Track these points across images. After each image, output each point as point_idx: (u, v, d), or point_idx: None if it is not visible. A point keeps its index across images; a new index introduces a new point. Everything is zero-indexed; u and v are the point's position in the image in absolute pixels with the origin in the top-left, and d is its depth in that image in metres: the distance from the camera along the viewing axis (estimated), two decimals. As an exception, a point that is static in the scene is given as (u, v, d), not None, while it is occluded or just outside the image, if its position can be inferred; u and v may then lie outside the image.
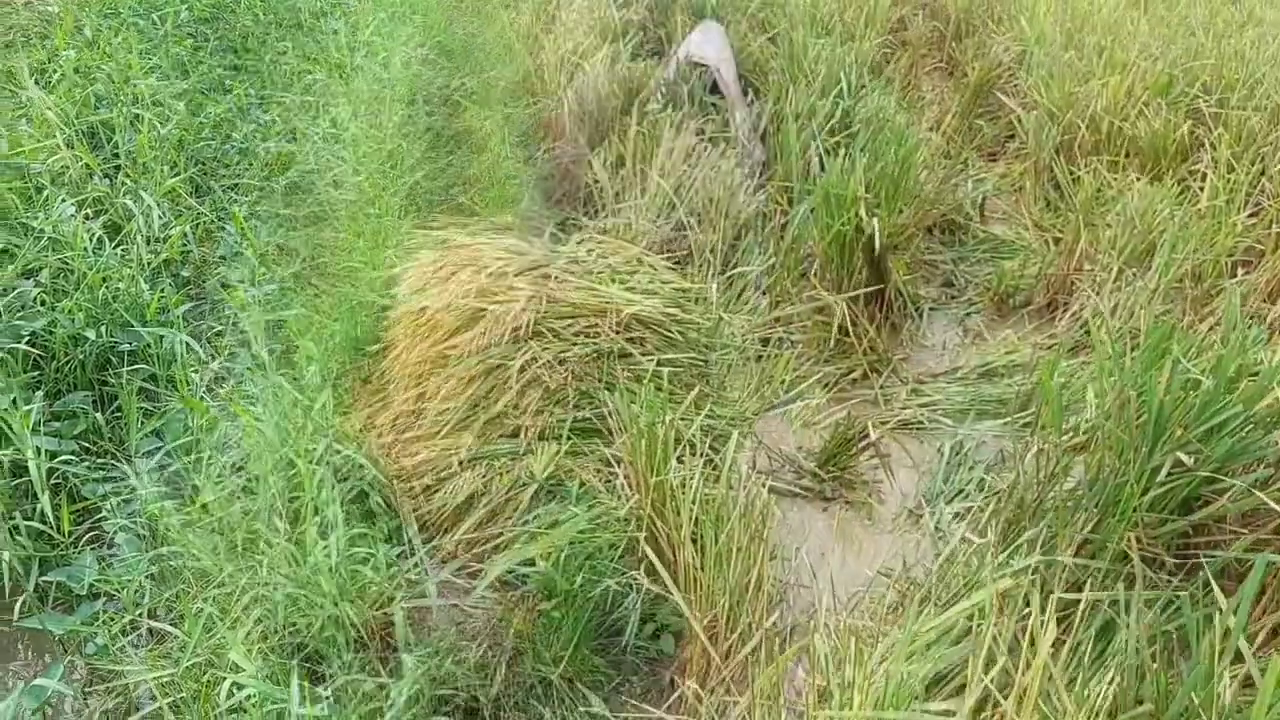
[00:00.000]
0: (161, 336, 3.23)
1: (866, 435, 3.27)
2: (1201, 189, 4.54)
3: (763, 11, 6.95)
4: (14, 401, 2.82)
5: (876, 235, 3.81)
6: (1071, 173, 5.05)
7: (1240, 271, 4.20)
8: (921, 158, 4.88)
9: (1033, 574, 2.31)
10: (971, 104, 6.16)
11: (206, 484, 2.57)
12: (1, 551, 2.59)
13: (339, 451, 2.65)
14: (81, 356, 3.21)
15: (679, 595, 2.31)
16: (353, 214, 4.14)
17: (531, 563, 2.46)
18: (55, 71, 4.76)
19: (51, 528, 2.69)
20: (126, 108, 4.46)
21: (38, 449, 2.74)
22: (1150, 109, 5.29)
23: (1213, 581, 1.98)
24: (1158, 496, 2.36)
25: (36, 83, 4.40)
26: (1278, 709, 1.57)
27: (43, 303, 3.32)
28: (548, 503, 2.63)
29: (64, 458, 2.85)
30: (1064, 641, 2.04)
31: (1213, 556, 2.20)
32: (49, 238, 3.53)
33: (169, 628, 2.30)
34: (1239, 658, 1.86)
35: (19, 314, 3.21)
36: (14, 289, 3.29)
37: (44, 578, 2.64)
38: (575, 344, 2.87)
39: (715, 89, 5.29)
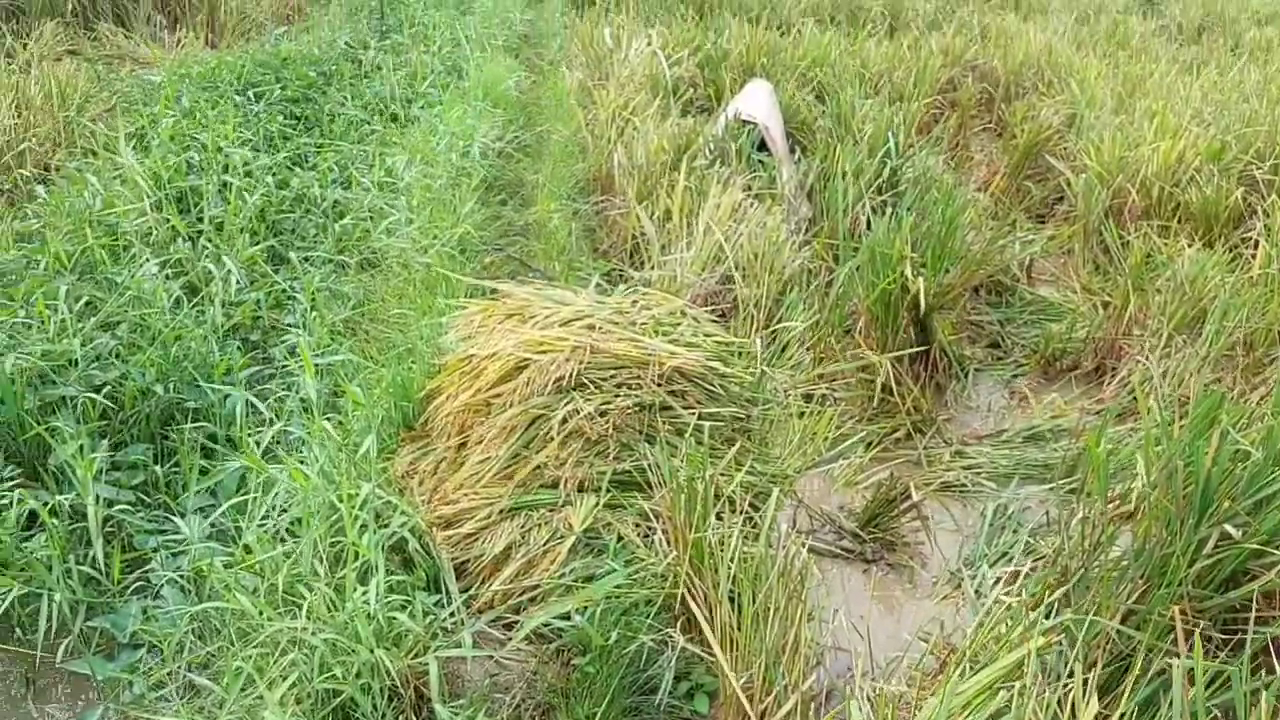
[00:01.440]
0: (226, 396, 3.31)
1: (909, 496, 3.24)
2: (1254, 256, 4.49)
3: (811, 71, 7.04)
4: (81, 448, 2.90)
5: (922, 294, 3.81)
6: (1121, 237, 5.02)
7: (1294, 341, 4.14)
8: (969, 218, 4.89)
9: (1074, 645, 2.28)
10: (1020, 166, 6.16)
11: (250, 525, 2.61)
12: (54, 593, 2.64)
13: (381, 497, 2.67)
14: (148, 410, 3.29)
15: (718, 653, 2.29)
16: (405, 262, 4.22)
17: (567, 616, 2.46)
18: (153, 137, 4.95)
19: (102, 574, 2.74)
20: (216, 176, 4.62)
21: (97, 496, 2.80)
22: (1202, 175, 5.26)
23: (1275, 655, 1.94)
24: (1205, 569, 2.31)
25: (134, 148, 4.57)
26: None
27: (118, 355, 3.43)
28: (585, 556, 2.64)
29: (121, 506, 2.91)
30: (1107, 717, 2.00)
31: (1261, 632, 2.15)
32: (131, 294, 3.65)
33: (207, 682, 2.32)
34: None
35: (95, 364, 3.31)
36: (93, 340, 3.40)
37: (89, 623, 2.68)
38: (617, 395, 2.89)
39: (763, 146, 5.34)
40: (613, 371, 2.96)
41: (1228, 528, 2.28)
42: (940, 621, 2.76)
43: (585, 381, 2.87)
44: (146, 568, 2.80)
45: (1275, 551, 2.35)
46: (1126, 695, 1.99)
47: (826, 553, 3.14)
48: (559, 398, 2.84)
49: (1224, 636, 2.35)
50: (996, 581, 2.62)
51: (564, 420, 2.84)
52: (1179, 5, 12.48)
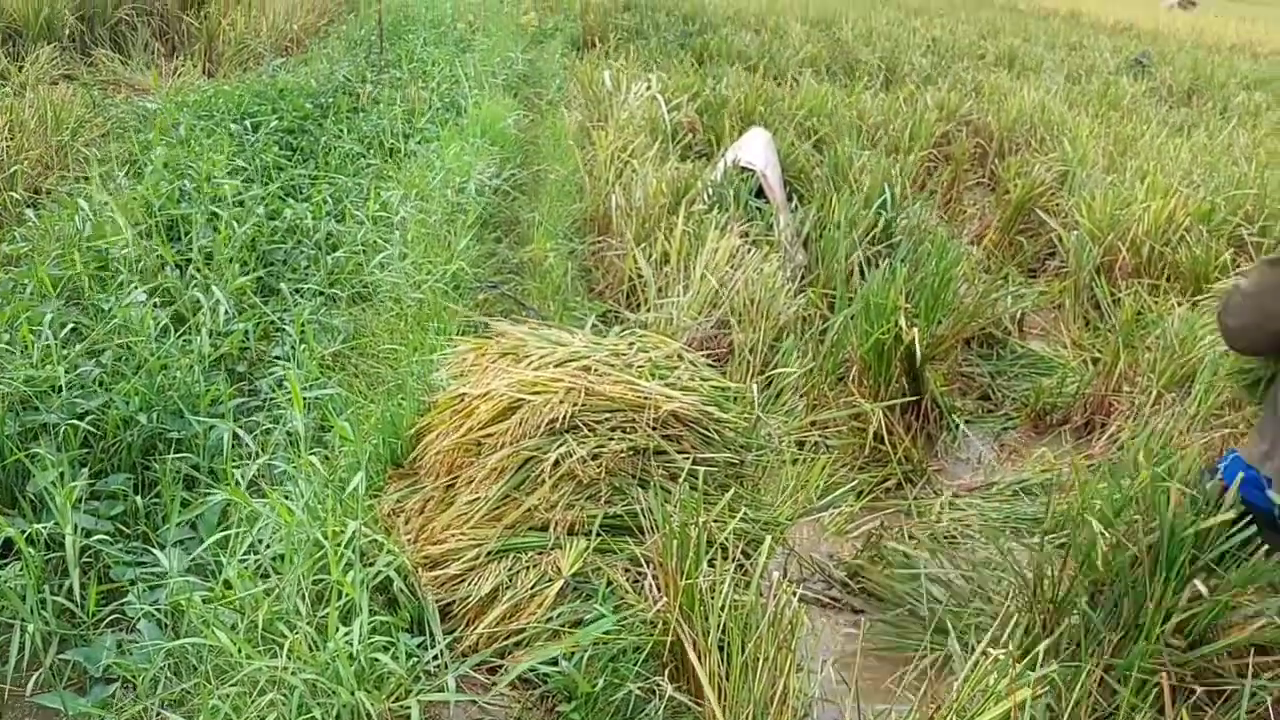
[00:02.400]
0: (211, 427, 3.26)
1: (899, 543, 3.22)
2: (1244, 317, 4.50)
3: (810, 121, 7.10)
4: (61, 476, 2.85)
5: (916, 345, 3.80)
6: (1112, 294, 5.05)
7: (1283, 402, 4.14)
8: (962, 270, 4.91)
9: (1059, 698, 2.25)
10: (1013, 220, 6.21)
11: (231, 560, 2.56)
12: (26, 625, 2.57)
13: (367, 535, 2.63)
14: (130, 439, 3.24)
15: (715, 704, 2.25)
16: (397, 297, 4.20)
17: (554, 662, 2.41)
18: (146, 164, 4.94)
19: (77, 605, 2.68)
20: (208, 205, 4.60)
21: (75, 526, 2.74)
22: (1192, 235, 5.30)
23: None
24: (1182, 622, 2.30)
25: (127, 174, 4.56)
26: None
27: (102, 383, 3.38)
28: (574, 600, 2.59)
29: (99, 536, 2.85)
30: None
31: (1240, 685, 2.13)
32: (118, 322, 3.61)
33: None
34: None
35: (78, 391, 3.27)
36: (77, 367, 3.36)
37: (61, 656, 2.61)
38: (611, 438, 2.86)
39: (760, 193, 5.36)
40: (607, 414, 2.93)
41: (1198, 584, 2.28)
42: (929, 675, 2.72)
43: (579, 424, 2.84)
44: (123, 600, 2.74)
45: (1251, 603, 2.35)
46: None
47: (816, 602, 3.11)
48: (552, 440, 2.81)
49: (1209, 690, 2.33)
50: (983, 634, 2.59)
51: (556, 463, 2.81)
52: (1169, 68, 12.68)
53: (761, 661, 2.41)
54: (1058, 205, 6.21)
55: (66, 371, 3.25)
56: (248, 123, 6.09)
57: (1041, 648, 2.28)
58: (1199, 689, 2.40)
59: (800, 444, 3.75)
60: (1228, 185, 6.04)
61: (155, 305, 3.86)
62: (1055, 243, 5.87)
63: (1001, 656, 2.35)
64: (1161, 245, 5.28)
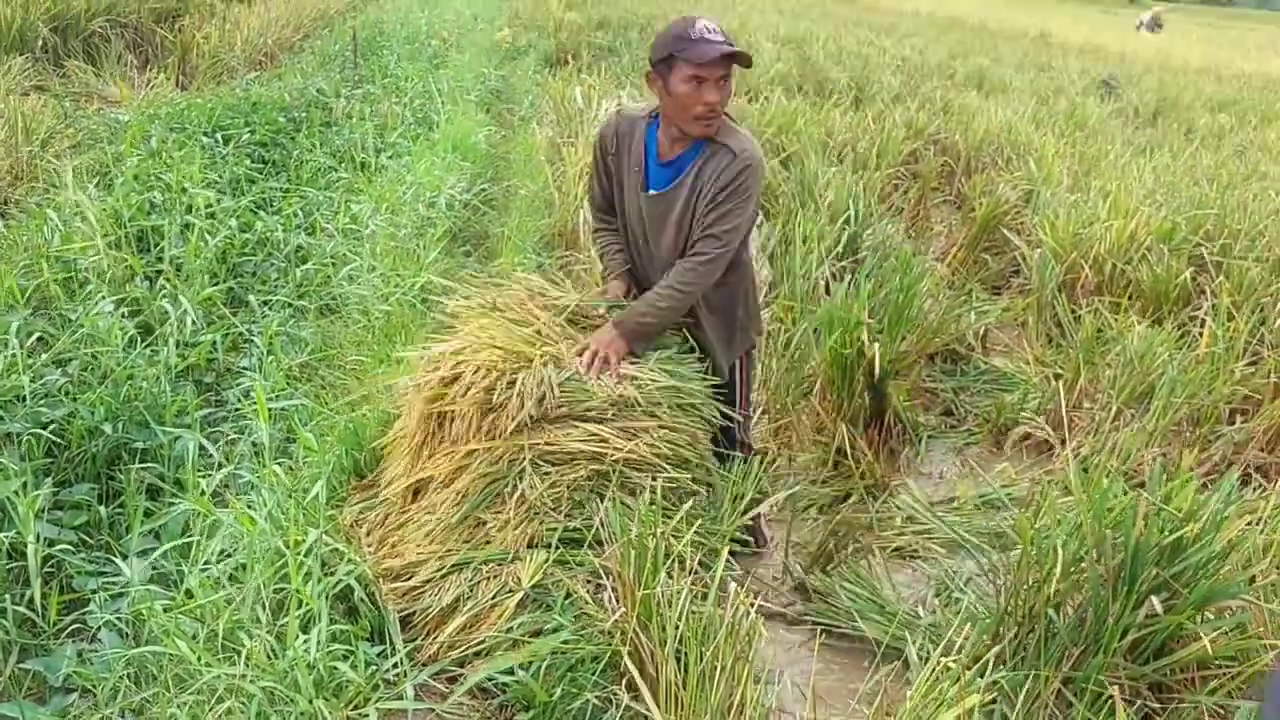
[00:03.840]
0: (176, 438, 3.27)
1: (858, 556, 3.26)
2: (1201, 335, 4.60)
3: (778, 137, 7.17)
4: (24, 485, 2.84)
5: (878, 360, 3.86)
6: (1073, 311, 5.13)
7: (1238, 418, 4.23)
8: (926, 286, 4.97)
9: (1011, 706, 2.29)
10: (978, 238, 6.29)
11: (193, 569, 2.57)
12: (-16, 634, 2.57)
13: (328, 544, 2.65)
14: (94, 449, 3.25)
15: (659, 715, 2.28)
16: (365, 309, 4.22)
17: (512, 671, 2.43)
18: (117, 175, 4.94)
19: (38, 615, 2.68)
20: (179, 216, 4.60)
21: (38, 535, 2.74)
22: (1153, 254, 5.40)
23: None
24: (1138, 639, 2.35)
25: (97, 185, 4.56)
26: None
27: (67, 393, 3.38)
28: (534, 611, 2.61)
29: (62, 546, 2.85)
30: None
31: (1197, 701, 2.18)
32: (85, 331, 3.62)
33: (140, 728, 2.27)
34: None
35: (43, 401, 3.27)
36: (43, 376, 3.36)
37: (22, 665, 2.61)
38: (576, 459, 2.87)
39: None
40: (572, 426, 2.94)
41: (1154, 600, 2.32)
42: (884, 685, 2.76)
43: (542, 439, 2.85)
44: (85, 610, 2.74)
45: (1208, 618, 2.40)
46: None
47: (774, 614, 3.15)
48: (515, 450, 2.82)
49: (1161, 704, 2.38)
50: (937, 644, 2.63)
51: (520, 475, 2.82)
52: (1136, 90, 12.88)
53: (719, 671, 2.44)
54: (1022, 223, 6.30)
55: (32, 380, 3.25)
56: (220, 135, 6.10)
57: (991, 654, 2.32)
58: (1152, 703, 2.45)
59: (762, 458, 3.78)
60: (1189, 205, 6.15)
61: (123, 315, 3.87)
62: (1019, 260, 5.96)
63: (953, 665, 2.39)
64: (1123, 263, 5.37)
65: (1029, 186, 6.78)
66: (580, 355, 2.87)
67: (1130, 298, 5.23)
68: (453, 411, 2.84)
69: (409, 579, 2.73)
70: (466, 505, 2.81)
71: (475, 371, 2.80)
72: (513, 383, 2.77)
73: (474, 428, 2.83)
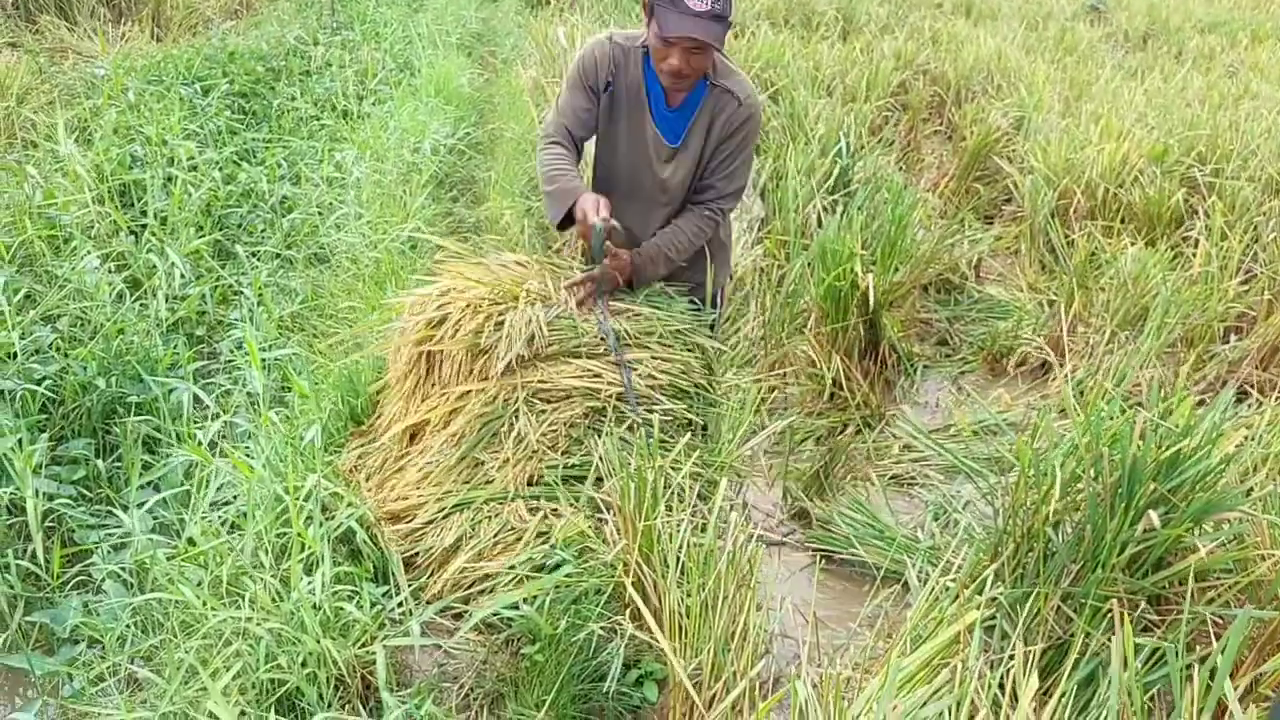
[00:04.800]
0: (170, 390, 3.26)
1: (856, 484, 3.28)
2: (1195, 255, 4.59)
3: (766, 71, 7.08)
4: (20, 442, 2.84)
5: (871, 291, 3.84)
6: (1066, 236, 5.11)
7: (1232, 337, 4.23)
8: (919, 217, 4.95)
9: (1011, 622, 2.32)
10: (970, 167, 6.25)
11: (194, 518, 2.57)
12: (-10, 587, 2.58)
13: (328, 488, 2.65)
14: (89, 404, 3.24)
15: (664, 641, 2.29)
16: (354, 257, 4.18)
17: (516, 606, 2.45)
18: (96, 130, 4.86)
19: (41, 568, 2.69)
20: (161, 169, 4.54)
21: (36, 491, 2.74)
22: (1145, 176, 5.37)
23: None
24: (1136, 554, 2.36)
25: (76, 140, 4.49)
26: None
27: (58, 349, 3.36)
28: (537, 546, 2.63)
29: (61, 501, 2.85)
30: (1048, 693, 2.04)
31: (1195, 611, 2.20)
32: (72, 287, 3.59)
33: (149, 674, 2.28)
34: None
35: (34, 357, 3.25)
36: (33, 333, 3.33)
37: (28, 618, 2.63)
38: (571, 395, 2.87)
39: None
40: (566, 363, 2.94)
41: (1152, 515, 2.33)
42: (884, 609, 2.79)
43: (536, 372, 2.84)
44: (88, 562, 2.75)
45: (1205, 531, 2.42)
46: (1066, 675, 2.02)
47: (775, 543, 3.17)
48: (510, 386, 2.82)
49: (1158, 617, 2.40)
50: (935, 566, 2.65)
51: (515, 413, 2.82)
52: (1125, 13, 12.73)
53: (721, 600, 2.46)
54: (1014, 151, 6.26)
55: (22, 337, 3.23)
56: (198, 87, 6.00)
57: (989, 571, 2.34)
58: (1150, 615, 2.48)
59: (759, 391, 3.79)
60: (1181, 127, 6.10)
61: (110, 271, 3.84)
62: (1011, 188, 5.92)
63: (951, 584, 2.42)
64: (1115, 187, 5.34)
65: (1020, 113, 6.72)
66: (574, 286, 2.84)
67: (1123, 221, 5.22)
68: (442, 353, 2.84)
69: (410, 520, 2.73)
70: (464, 446, 2.81)
71: (464, 310, 2.79)
72: (500, 324, 2.75)
73: (465, 370, 2.82)
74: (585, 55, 2.90)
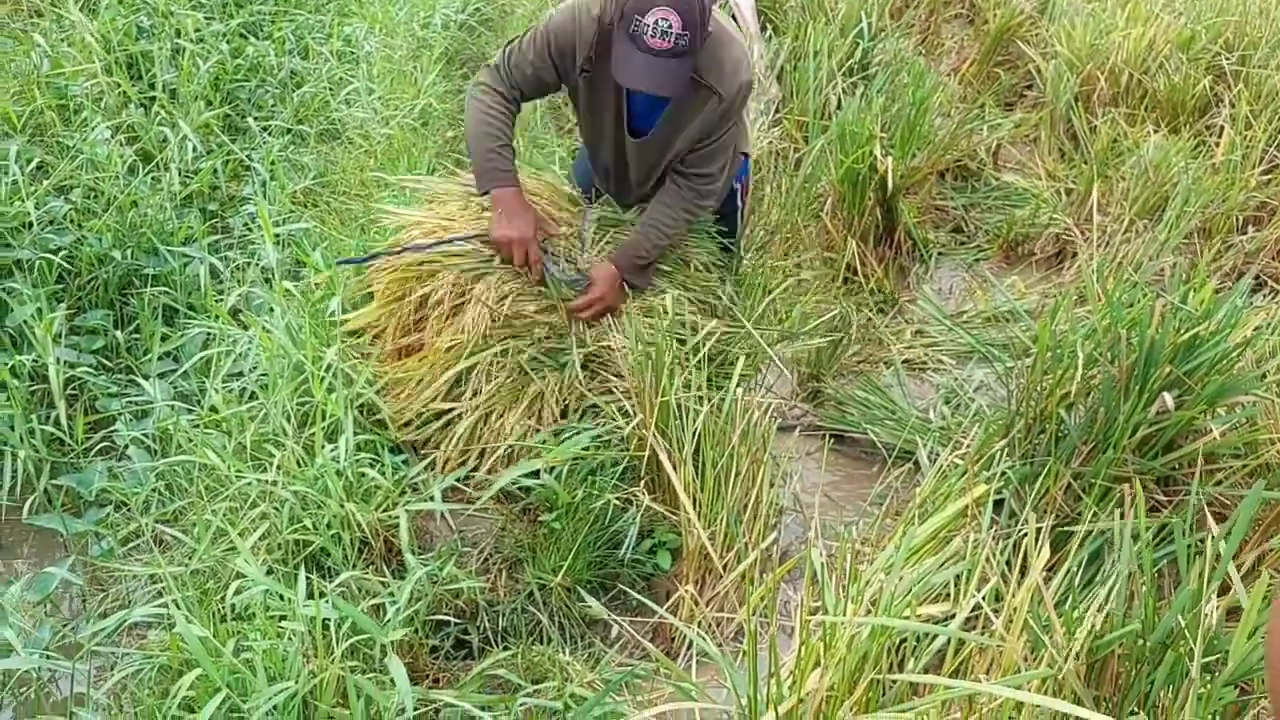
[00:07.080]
0: (186, 263, 3.26)
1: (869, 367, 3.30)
2: (1218, 144, 4.52)
3: (784, -51, 6.86)
4: (39, 310, 2.86)
5: (890, 174, 3.80)
6: (1088, 123, 5.02)
7: (1250, 228, 4.20)
8: (938, 101, 4.86)
9: (1020, 498, 2.36)
10: (991, 52, 6.10)
11: (216, 386, 2.60)
12: (17, 450, 2.63)
13: (349, 356, 2.67)
14: (105, 276, 3.25)
15: (685, 501, 2.33)
16: (366, 133, 4.14)
17: (536, 475, 2.49)
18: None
19: (66, 435, 2.73)
20: (169, 41, 4.45)
21: (58, 359, 2.77)
22: (1170, 63, 5.24)
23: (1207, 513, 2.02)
24: (1147, 435, 2.39)
25: (82, 9, 4.39)
26: (1260, 633, 1.60)
27: (72, 220, 3.35)
28: (555, 420, 2.66)
29: (82, 369, 2.88)
30: (1053, 568, 2.09)
31: (1203, 491, 2.23)
32: (84, 158, 3.56)
33: (178, 534, 2.34)
34: (1225, 589, 1.91)
35: (49, 228, 3.25)
36: (46, 203, 3.32)
37: (54, 481, 2.68)
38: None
39: (734, 24, 5.23)
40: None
41: (1166, 396, 2.35)
42: (894, 488, 2.84)
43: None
44: (111, 430, 2.80)
45: (1218, 414, 2.44)
46: (1074, 550, 2.06)
47: (788, 425, 3.20)
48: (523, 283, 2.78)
49: (1168, 498, 2.44)
50: (946, 445, 2.68)
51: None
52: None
53: (735, 474, 2.50)
54: (1037, 35, 6.10)
55: (36, 207, 3.22)
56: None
57: (999, 447, 2.37)
58: (1159, 495, 2.52)
59: (775, 275, 3.78)
60: (1209, 13, 5.93)
61: (121, 143, 3.80)
62: (1033, 74, 5.79)
63: (960, 461, 2.45)
64: (1140, 73, 5.22)
65: (1044, -4, 6.52)
66: (581, 311, 2.69)
67: (1146, 108, 5.11)
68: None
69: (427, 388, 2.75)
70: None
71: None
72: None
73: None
74: (564, 24, 2.56)
